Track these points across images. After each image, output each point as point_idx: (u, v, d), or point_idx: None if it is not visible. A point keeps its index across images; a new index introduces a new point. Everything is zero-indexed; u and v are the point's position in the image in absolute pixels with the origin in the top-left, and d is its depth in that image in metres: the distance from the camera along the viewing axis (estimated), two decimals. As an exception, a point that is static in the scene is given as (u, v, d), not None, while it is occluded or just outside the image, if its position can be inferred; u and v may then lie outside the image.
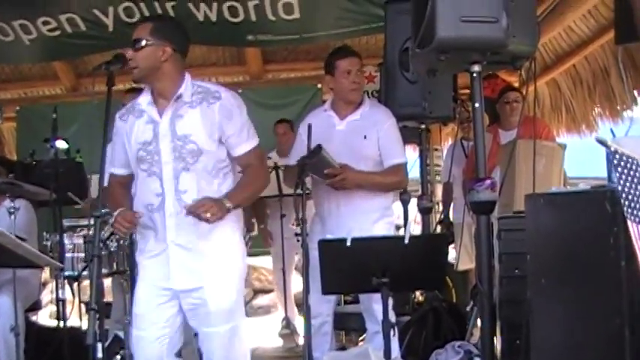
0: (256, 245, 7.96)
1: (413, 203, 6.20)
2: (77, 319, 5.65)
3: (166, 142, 3.36)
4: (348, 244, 3.68)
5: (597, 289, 2.65)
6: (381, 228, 4.43)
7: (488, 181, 3.41)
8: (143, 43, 3.34)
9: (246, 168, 3.52)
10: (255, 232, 7.86)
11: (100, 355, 2.81)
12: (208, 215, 3.21)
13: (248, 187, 3.51)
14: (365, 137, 4.41)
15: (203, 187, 3.36)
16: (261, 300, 9.92)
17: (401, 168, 4.50)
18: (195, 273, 3.37)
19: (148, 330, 3.39)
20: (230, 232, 3.49)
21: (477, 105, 3.48)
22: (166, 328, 3.41)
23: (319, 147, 4.08)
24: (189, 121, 3.36)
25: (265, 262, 9.91)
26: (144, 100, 3.45)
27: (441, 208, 6.96)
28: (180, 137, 3.34)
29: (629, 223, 2.27)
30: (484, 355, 3.56)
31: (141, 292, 3.46)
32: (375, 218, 4.45)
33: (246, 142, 3.46)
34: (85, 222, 5.72)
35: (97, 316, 2.77)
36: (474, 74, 3.45)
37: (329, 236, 4.09)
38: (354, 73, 4.45)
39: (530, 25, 3.39)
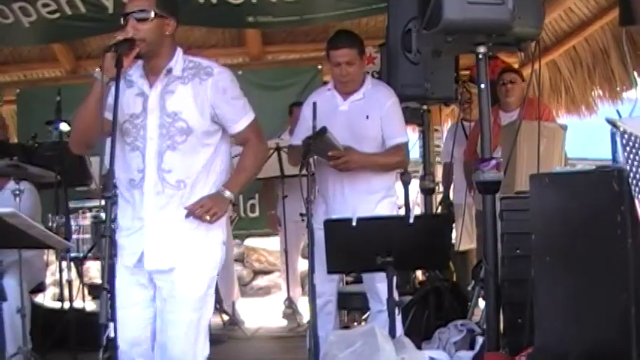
0: (256, 226, 8.05)
1: (413, 184, 6.24)
2: (80, 300, 5.70)
3: (154, 117, 3.24)
4: (354, 223, 3.72)
5: (603, 266, 2.68)
6: (384, 208, 4.46)
7: (493, 162, 3.46)
8: (152, 14, 3.18)
9: (245, 144, 3.42)
10: (256, 214, 7.93)
11: (112, 334, 2.80)
12: (208, 218, 3.18)
13: (249, 168, 3.42)
14: (367, 117, 4.43)
15: (189, 167, 3.27)
16: (261, 281, 9.97)
17: (402, 147, 4.51)
18: (170, 254, 3.25)
19: (132, 308, 3.26)
20: None
21: (482, 86, 3.52)
22: (149, 309, 3.30)
23: (324, 129, 4.09)
24: (180, 98, 3.25)
25: (265, 243, 9.97)
26: (135, 72, 3.30)
27: (441, 188, 7.00)
28: (170, 114, 3.23)
29: (636, 201, 2.31)
30: (489, 333, 3.61)
31: (120, 272, 3.24)
32: (379, 198, 4.48)
33: (243, 118, 3.36)
34: (89, 204, 5.80)
35: (109, 296, 2.77)
36: (480, 56, 3.48)
37: (334, 216, 4.12)
38: (343, 66, 4.41)
39: (535, 7, 3.42)
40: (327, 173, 4.43)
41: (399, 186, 6.09)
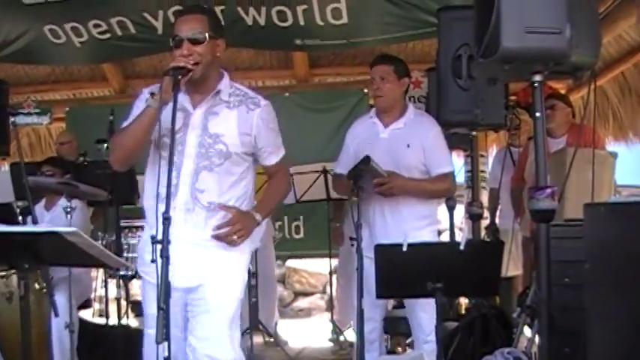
0: (300, 248, 8.06)
1: (458, 209, 6.22)
2: (124, 317, 5.75)
3: (194, 135, 3.29)
4: (404, 249, 3.72)
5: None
6: (426, 236, 4.44)
7: (549, 190, 3.43)
8: (207, 36, 3.25)
9: (273, 176, 3.59)
10: (300, 235, 7.94)
11: (166, 354, 2.83)
12: (235, 238, 3.25)
13: (276, 198, 3.62)
14: (408, 146, 4.43)
15: (224, 189, 3.31)
16: (302, 302, 9.98)
17: (449, 176, 4.51)
18: (199, 270, 3.29)
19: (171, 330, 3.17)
20: None
21: (537, 114, 3.51)
22: (176, 328, 3.28)
23: (367, 158, 4.11)
24: (224, 121, 3.32)
25: (306, 264, 10.00)
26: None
27: (486, 213, 6.96)
28: (212, 135, 3.29)
29: None
30: (541, 361, 3.57)
31: (149, 291, 3.30)
32: (421, 226, 4.47)
33: (278, 152, 3.52)
34: (138, 223, 5.86)
35: (164, 315, 2.79)
36: (536, 84, 3.47)
37: (383, 241, 4.11)
38: (377, 80, 4.48)
39: (592, 36, 3.40)
40: (369, 199, 4.42)
41: (442, 211, 6.07)
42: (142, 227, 5.83)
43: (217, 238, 3.27)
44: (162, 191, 3.14)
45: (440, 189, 4.53)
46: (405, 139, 4.44)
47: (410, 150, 4.43)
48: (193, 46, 3.24)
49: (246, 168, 3.42)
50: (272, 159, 3.50)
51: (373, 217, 4.46)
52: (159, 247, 2.87)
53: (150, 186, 3.30)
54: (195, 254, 3.30)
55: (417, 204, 4.45)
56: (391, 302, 5.76)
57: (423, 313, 4.30)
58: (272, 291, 7.16)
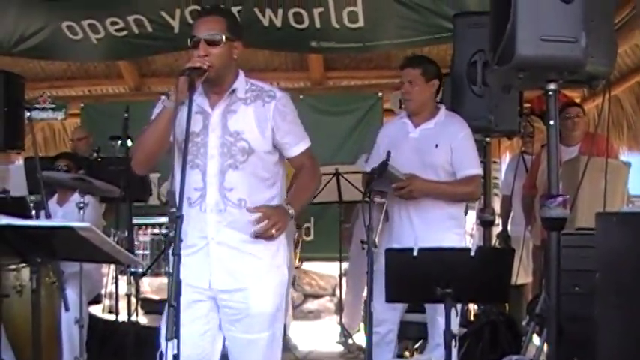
0: (308, 250, 8.06)
1: (470, 215, 6.22)
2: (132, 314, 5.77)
3: (215, 136, 3.25)
4: (415, 254, 3.72)
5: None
6: (452, 239, 4.41)
7: (560, 198, 3.44)
8: (223, 38, 3.22)
9: (300, 169, 3.44)
10: (310, 237, 7.94)
11: (175, 351, 2.84)
12: (273, 232, 3.18)
13: (307, 190, 3.47)
14: (436, 146, 4.40)
15: (250, 186, 3.27)
16: (311, 304, 9.95)
17: (474, 179, 4.45)
18: (239, 273, 3.26)
19: (187, 326, 3.18)
20: None
21: (551, 122, 3.51)
22: (207, 324, 3.30)
23: (385, 164, 4.11)
24: (243, 118, 3.28)
25: (316, 266, 9.98)
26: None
27: (497, 220, 6.95)
28: (232, 134, 3.25)
29: None
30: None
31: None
32: (446, 227, 4.43)
33: (300, 143, 3.40)
34: (149, 220, 5.90)
35: (175, 312, 2.80)
36: (550, 92, 3.48)
37: (396, 245, 4.12)
38: (406, 84, 4.47)
39: (608, 45, 3.41)
40: (394, 200, 4.42)
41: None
42: (152, 225, 5.95)
43: (256, 235, 3.21)
44: (194, 195, 3.24)
45: (462, 192, 4.47)
46: (434, 139, 4.42)
47: (438, 150, 4.40)
48: (210, 47, 3.22)
49: (275, 173, 3.39)
50: (294, 150, 3.38)
51: (399, 219, 4.46)
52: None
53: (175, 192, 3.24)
54: (235, 256, 3.27)
55: (444, 205, 4.43)
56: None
57: (441, 317, 4.28)
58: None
